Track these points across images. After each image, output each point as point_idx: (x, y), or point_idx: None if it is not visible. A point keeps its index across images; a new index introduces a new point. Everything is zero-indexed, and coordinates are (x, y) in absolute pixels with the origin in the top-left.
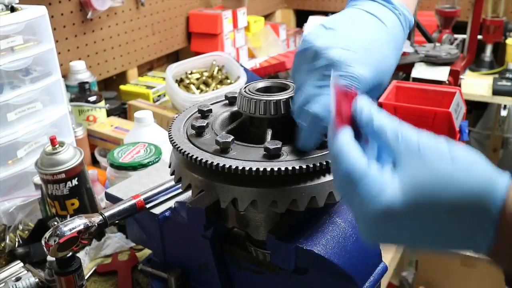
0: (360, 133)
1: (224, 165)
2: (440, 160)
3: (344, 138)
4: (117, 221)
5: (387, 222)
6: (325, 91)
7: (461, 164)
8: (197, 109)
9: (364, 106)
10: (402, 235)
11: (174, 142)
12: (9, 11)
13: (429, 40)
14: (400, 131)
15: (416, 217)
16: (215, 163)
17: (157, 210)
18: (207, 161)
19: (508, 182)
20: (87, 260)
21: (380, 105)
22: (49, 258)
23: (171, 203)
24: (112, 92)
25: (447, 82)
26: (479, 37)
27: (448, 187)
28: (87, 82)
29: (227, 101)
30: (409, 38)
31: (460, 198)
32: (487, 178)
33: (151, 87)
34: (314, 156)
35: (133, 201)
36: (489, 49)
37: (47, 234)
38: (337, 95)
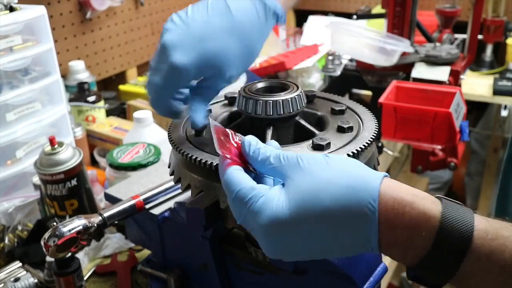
0: (250, 169)
1: None
2: (317, 166)
3: (233, 168)
4: (116, 222)
5: (278, 231)
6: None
7: (336, 167)
8: None
9: (251, 143)
10: (297, 243)
11: (174, 142)
12: (8, 11)
13: (429, 40)
14: (281, 154)
15: (299, 223)
16: (214, 163)
17: (156, 211)
18: (206, 161)
19: (380, 179)
20: (86, 260)
21: (380, 105)
22: (48, 258)
23: (170, 204)
24: (111, 92)
25: (447, 82)
26: (480, 37)
27: (327, 187)
28: (86, 82)
29: (226, 101)
30: (409, 37)
31: (340, 196)
32: (360, 177)
33: None
34: None
35: (133, 202)
36: (489, 49)
37: (46, 235)
38: (217, 135)
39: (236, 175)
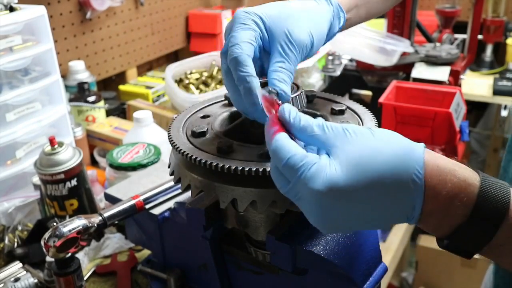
0: (291, 136)
1: (223, 165)
2: (364, 136)
3: (282, 135)
4: (116, 222)
5: (333, 197)
6: (246, 38)
7: (381, 138)
8: (196, 110)
9: (291, 110)
10: (347, 211)
11: (174, 143)
12: (8, 11)
13: (429, 40)
14: (325, 123)
15: (355, 189)
16: (214, 164)
17: (156, 211)
18: (206, 161)
19: (423, 147)
20: (86, 260)
21: (380, 105)
22: (48, 258)
23: (170, 204)
24: (111, 92)
25: (447, 82)
26: (480, 37)
27: (377, 155)
28: (86, 82)
29: (226, 101)
30: (409, 37)
31: (388, 164)
32: (405, 145)
33: (151, 87)
34: None
35: (133, 202)
36: (489, 49)
37: (46, 235)
38: (265, 104)
39: (286, 142)
